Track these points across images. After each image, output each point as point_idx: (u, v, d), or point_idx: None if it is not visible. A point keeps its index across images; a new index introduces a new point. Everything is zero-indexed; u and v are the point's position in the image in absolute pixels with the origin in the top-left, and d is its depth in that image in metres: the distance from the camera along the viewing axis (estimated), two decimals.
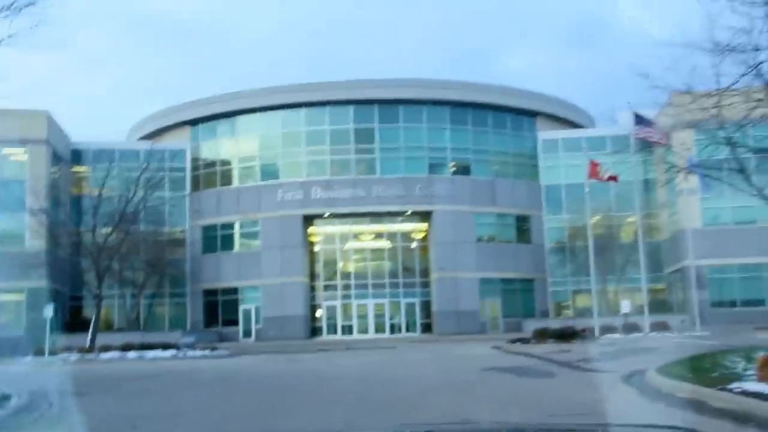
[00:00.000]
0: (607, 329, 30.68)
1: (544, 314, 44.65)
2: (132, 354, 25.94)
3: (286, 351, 30.17)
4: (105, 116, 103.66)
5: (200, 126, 48.09)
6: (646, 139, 31.45)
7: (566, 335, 27.90)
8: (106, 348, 27.17)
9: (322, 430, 8.71)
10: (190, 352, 27.17)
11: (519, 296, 45.70)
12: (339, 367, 20.54)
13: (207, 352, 27.67)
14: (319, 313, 45.17)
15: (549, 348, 24.22)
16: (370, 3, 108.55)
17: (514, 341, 28.29)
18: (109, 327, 43.28)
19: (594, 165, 31.75)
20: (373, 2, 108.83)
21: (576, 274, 43.85)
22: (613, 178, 31.79)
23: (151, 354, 25.88)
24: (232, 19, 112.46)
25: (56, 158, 44.07)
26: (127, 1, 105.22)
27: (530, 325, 36.79)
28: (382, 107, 45.41)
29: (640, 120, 30.33)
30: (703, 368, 12.15)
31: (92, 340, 29.21)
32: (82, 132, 68.53)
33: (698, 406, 9.32)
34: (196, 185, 47.68)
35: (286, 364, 22.00)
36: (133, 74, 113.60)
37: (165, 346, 27.09)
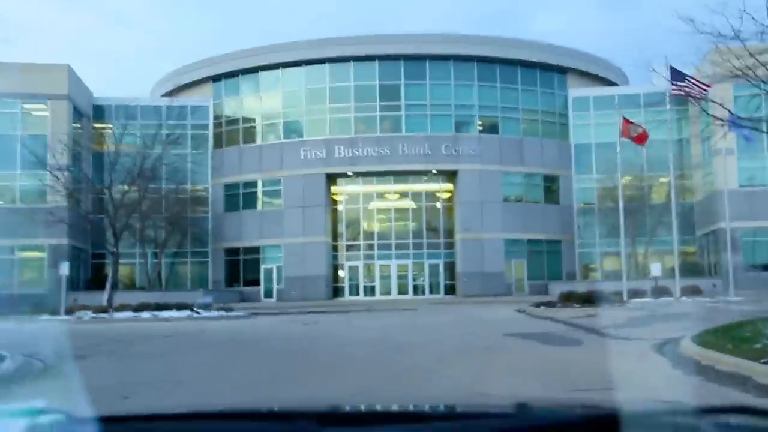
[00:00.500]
0: (636, 293, 29.72)
1: (571, 277, 44.06)
2: (146, 314, 25.48)
3: (305, 311, 29.77)
4: (133, 76, 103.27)
5: (223, 82, 47.50)
6: (683, 95, 29.89)
7: (593, 299, 26.66)
8: (123, 307, 26.76)
9: (315, 401, 7.98)
10: (206, 313, 26.62)
11: (546, 258, 45.02)
12: (357, 329, 19.91)
13: (223, 312, 27.14)
14: (341, 273, 44.90)
15: (575, 312, 23.31)
16: None
17: (539, 305, 27.41)
18: (131, 285, 43.31)
19: (627, 123, 30.50)
20: None
21: (605, 236, 42.96)
22: (641, 138, 30.48)
23: (165, 314, 25.38)
24: None
25: (77, 114, 43.63)
26: None
27: (557, 288, 36.17)
28: (408, 63, 44.46)
29: (676, 75, 28.66)
30: (743, 337, 11.04)
31: (109, 299, 28.81)
32: (109, 90, 68.17)
33: (742, 382, 8.39)
34: (218, 142, 47.32)
35: (302, 326, 21.37)
36: (162, 33, 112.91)
37: (180, 307, 26.56)
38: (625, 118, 30.73)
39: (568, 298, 27.48)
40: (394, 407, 2.26)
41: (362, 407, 2.22)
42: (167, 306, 26.55)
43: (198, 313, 26.46)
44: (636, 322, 18.24)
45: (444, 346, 14.51)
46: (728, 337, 11.39)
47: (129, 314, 25.66)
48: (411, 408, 2.21)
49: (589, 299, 26.65)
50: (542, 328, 17.83)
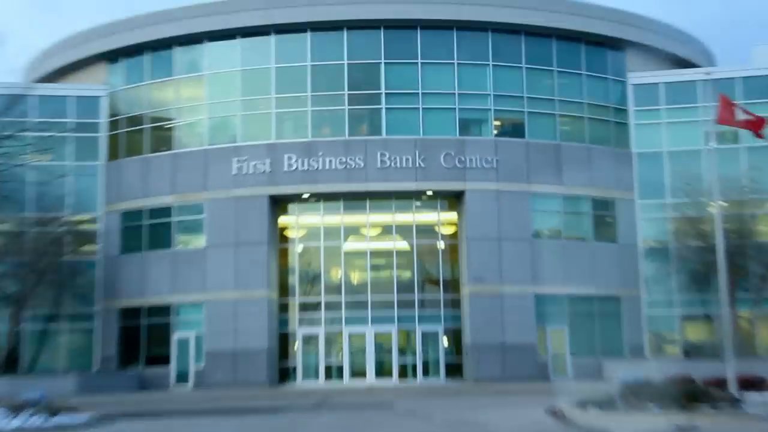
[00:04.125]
0: (749, 382, 26.16)
1: (637, 352, 41.89)
2: None
3: (224, 409, 29.06)
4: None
5: (121, 63, 45.53)
6: None
7: (680, 393, 22.13)
8: None
9: None
10: (31, 420, 22.59)
11: (598, 324, 42.60)
12: None
13: (59, 419, 23.06)
14: (293, 346, 42.06)
15: (656, 422, 19.34)
16: None
17: (586, 404, 23.07)
18: None
19: (727, 104, 25.58)
20: None
21: (687, 291, 41.65)
22: (757, 125, 25.90)
23: None
24: None
25: None
26: None
27: (616, 369, 34.69)
28: (391, 33, 42.48)
29: None
30: None
31: None
32: None
33: None
34: (114, 150, 45.05)
35: None
36: None
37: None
38: (723, 97, 26.21)
39: (637, 392, 23.52)
40: None
41: None
42: None
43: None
44: None
45: None
46: None
47: None
48: None
49: (672, 394, 22.50)
50: None
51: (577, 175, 42.86)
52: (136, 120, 44.92)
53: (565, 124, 43.98)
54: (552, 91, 43.51)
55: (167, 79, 44.37)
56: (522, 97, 42.98)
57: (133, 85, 45.11)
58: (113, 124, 45.25)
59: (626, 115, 44.72)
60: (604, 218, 43.93)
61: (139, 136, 44.60)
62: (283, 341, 41.99)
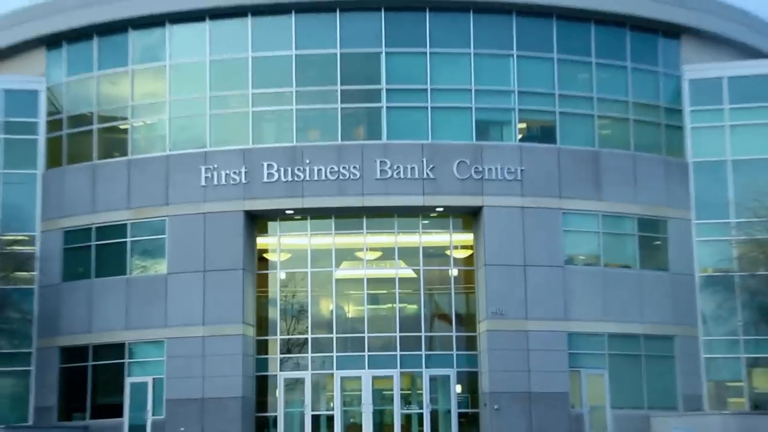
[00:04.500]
0: None
1: (694, 403, 43.28)
2: None
3: None
4: None
5: (64, 49, 47.17)
6: None
7: None
8: None
9: None
10: None
11: (646, 368, 44.17)
12: None
13: None
14: (273, 393, 44.02)
15: None
16: None
17: None
18: None
19: None
20: None
21: (756, 330, 43.63)
22: None
23: None
24: None
25: None
26: None
27: (666, 424, 37.22)
28: (394, 17, 44.38)
29: None
30: None
31: None
32: None
33: None
34: (55, 156, 46.84)
35: None
36: None
37: None
38: None
39: None
40: None
41: None
42: None
43: None
44: None
45: None
46: None
47: None
48: None
49: None
50: None
51: (620, 189, 44.09)
52: (82, 119, 46.27)
53: (605, 127, 45.30)
54: (589, 87, 44.97)
55: (121, 69, 45.80)
56: (553, 94, 44.53)
57: (79, 77, 46.56)
58: (54, 125, 46.70)
59: (681, 116, 46.10)
60: (652, 241, 45.12)
61: (86, 138, 46.03)
62: (262, 387, 43.32)
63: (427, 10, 44.57)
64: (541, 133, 45.59)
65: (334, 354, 43.96)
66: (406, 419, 43.61)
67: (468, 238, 45.38)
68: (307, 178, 43.43)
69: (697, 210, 46.17)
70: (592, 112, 45.75)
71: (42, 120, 47.48)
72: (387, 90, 44.46)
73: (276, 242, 45.52)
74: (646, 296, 44.68)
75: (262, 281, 45.27)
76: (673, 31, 47.24)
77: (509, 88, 45.03)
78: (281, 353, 44.61)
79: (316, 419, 43.49)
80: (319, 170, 43.33)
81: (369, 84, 44.69)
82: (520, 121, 45.50)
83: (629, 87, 46.38)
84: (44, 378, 45.03)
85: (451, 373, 44.00)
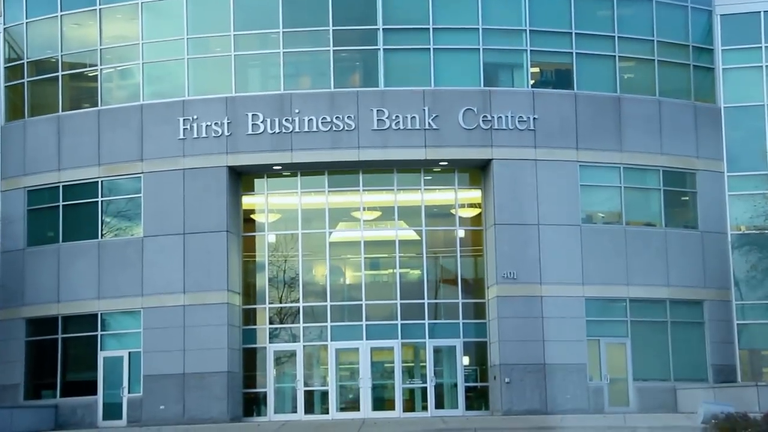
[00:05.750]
0: None
1: (727, 374, 43.05)
2: None
3: None
4: None
5: None
6: None
7: None
8: None
9: None
10: None
11: (672, 336, 43.64)
12: None
13: None
14: (262, 367, 43.51)
15: None
16: None
17: None
18: None
19: None
20: None
21: None
22: None
23: None
24: None
25: None
26: None
27: (694, 397, 36.69)
28: None
29: None
30: None
31: None
32: None
33: None
34: (15, 108, 46.39)
35: None
36: None
37: None
38: None
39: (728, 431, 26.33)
40: None
41: None
42: None
43: None
44: None
45: None
46: None
47: None
48: None
49: None
50: None
51: (644, 139, 43.70)
52: (45, 65, 46.02)
53: (627, 69, 44.98)
54: (610, 24, 44.18)
55: (88, 9, 44.92)
56: (569, 33, 43.74)
57: (41, 17, 45.80)
58: (13, 72, 46.36)
59: (712, 56, 45.55)
60: (679, 197, 45.17)
61: (50, 87, 45.72)
62: (250, 361, 43.19)
63: None
64: (556, 78, 45.42)
65: (329, 324, 43.68)
66: (409, 394, 43.62)
67: (475, 195, 44.91)
68: (297, 129, 42.78)
69: (730, 161, 45.46)
70: (613, 52, 44.84)
71: (0, 66, 46.87)
72: (384, 30, 43.61)
73: (263, 201, 45.05)
74: (672, 257, 43.92)
75: (249, 245, 44.86)
76: None
77: (520, 27, 44.17)
78: (270, 324, 44.26)
79: (309, 395, 43.36)
80: (310, 121, 42.68)
81: (364, 24, 43.91)
82: (533, 64, 44.76)
83: (654, 24, 45.30)
84: (8, 353, 44.64)
85: (458, 343, 43.66)
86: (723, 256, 44.43)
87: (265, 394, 43.27)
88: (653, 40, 45.06)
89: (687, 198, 45.34)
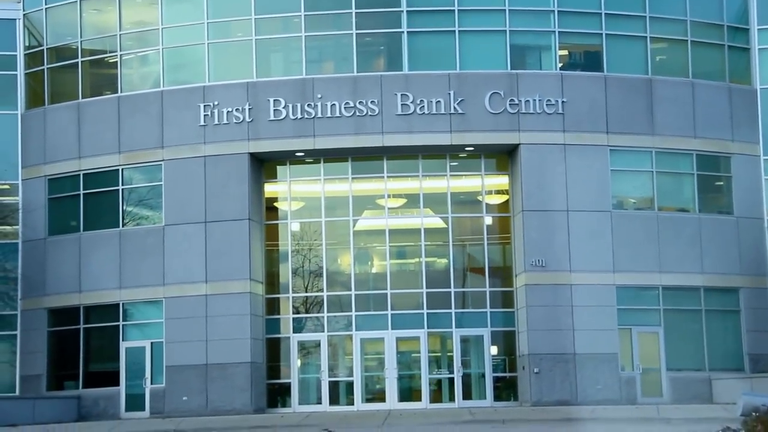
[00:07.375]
0: None
1: (763, 364, 42.71)
2: None
3: None
4: None
5: None
6: None
7: None
8: None
9: None
10: None
11: (706, 325, 43.58)
12: None
13: None
14: (286, 357, 43.64)
15: None
16: None
17: None
18: None
19: None
20: None
21: None
22: None
23: None
24: None
25: None
26: None
27: (731, 388, 36.85)
28: None
29: None
30: None
31: None
32: None
33: None
34: (35, 95, 46.52)
35: None
36: None
37: None
38: None
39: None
40: None
41: None
42: None
43: None
44: None
45: None
46: None
47: None
48: None
49: None
50: None
51: (676, 122, 43.45)
52: (65, 52, 46.31)
53: (659, 51, 44.88)
54: (640, 4, 43.86)
55: None
56: (599, 14, 43.60)
57: (60, 3, 46.02)
58: (33, 58, 46.53)
59: (747, 36, 45.30)
60: (713, 181, 45.07)
61: (70, 74, 45.85)
62: (273, 351, 43.36)
63: None
64: (586, 60, 45.49)
65: (353, 313, 43.69)
66: (436, 385, 43.66)
67: (503, 181, 44.87)
68: (319, 115, 42.73)
69: (766, 144, 45.21)
70: (644, 33, 44.64)
71: (19, 53, 47.13)
72: (408, 12, 43.59)
73: (286, 189, 45.25)
74: (706, 244, 43.74)
75: (272, 233, 44.83)
76: None
77: (548, 7, 44.08)
78: (294, 313, 44.34)
79: (334, 386, 43.51)
80: (333, 106, 42.69)
81: (388, 7, 44.02)
82: (561, 46, 44.74)
83: (687, 3, 45.03)
84: (31, 343, 44.89)
85: (485, 333, 43.63)
86: (759, 242, 44.20)
87: (289, 385, 43.39)
88: (686, 20, 44.70)
89: (721, 183, 45.15)
